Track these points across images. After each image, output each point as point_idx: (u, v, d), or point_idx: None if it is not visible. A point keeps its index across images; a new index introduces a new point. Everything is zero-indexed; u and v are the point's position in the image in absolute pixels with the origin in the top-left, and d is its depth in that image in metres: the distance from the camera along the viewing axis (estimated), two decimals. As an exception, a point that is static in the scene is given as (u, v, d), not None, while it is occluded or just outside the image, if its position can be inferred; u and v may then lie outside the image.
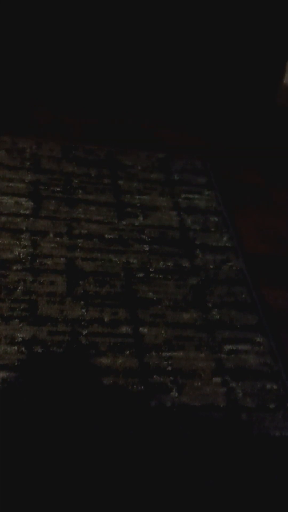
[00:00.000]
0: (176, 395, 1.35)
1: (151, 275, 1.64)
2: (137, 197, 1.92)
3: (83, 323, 1.46)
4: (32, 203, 1.78)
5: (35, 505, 1.10)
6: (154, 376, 1.38)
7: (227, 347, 1.50)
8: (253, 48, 2.52)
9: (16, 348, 1.36)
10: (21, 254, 1.60)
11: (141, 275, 1.63)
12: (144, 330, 1.48)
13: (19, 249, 1.62)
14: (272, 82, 2.59)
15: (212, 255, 1.77)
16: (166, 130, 2.31)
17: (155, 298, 1.58)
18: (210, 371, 1.42)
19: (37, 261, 1.59)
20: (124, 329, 1.47)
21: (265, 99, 2.61)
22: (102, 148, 2.10)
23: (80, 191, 1.88)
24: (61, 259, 1.62)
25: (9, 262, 1.57)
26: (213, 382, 1.40)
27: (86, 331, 1.44)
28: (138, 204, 1.89)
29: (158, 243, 1.76)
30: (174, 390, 1.36)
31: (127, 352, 1.41)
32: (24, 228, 1.68)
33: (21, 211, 1.74)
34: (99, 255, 1.66)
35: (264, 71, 2.57)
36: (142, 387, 1.34)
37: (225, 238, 1.84)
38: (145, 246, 1.73)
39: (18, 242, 1.63)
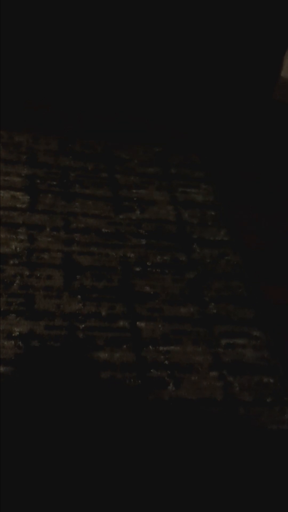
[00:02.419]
0: (174, 389, 1.35)
1: (148, 269, 1.64)
2: (134, 191, 1.92)
3: (80, 317, 1.46)
4: (29, 197, 1.77)
5: (31, 497, 1.10)
6: (152, 370, 1.38)
7: (224, 341, 1.50)
8: (250, 42, 2.51)
9: (13, 342, 1.36)
10: (18, 248, 1.60)
11: (138, 269, 1.63)
12: (141, 324, 1.48)
13: (15, 243, 1.61)
14: (269, 77, 2.59)
15: (209, 249, 1.77)
16: (164, 124, 2.31)
17: (152, 292, 1.57)
18: (207, 365, 1.42)
19: (34, 255, 1.59)
20: (121, 323, 1.47)
21: (262, 94, 2.60)
22: (99, 142, 2.09)
23: (77, 185, 1.87)
24: (58, 253, 1.61)
25: (5, 257, 1.56)
26: (210, 376, 1.40)
27: (83, 326, 1.44)
28: (135, 198, 1.89)
29: (155, 237, 1.75)
30: (171, 384, 1.36)
31: (125, 347, 1.41)
32: (21, 222, 1.68)
33: (18, 205, 1.73)
34: (96, 249, 1.66)
35: (261, 66, 2.56)
36: (140, 381, 1.34)
37: (222, 232, 1.84)
38: (142, 240, 1.73)
39: (14, 236, 1.63)
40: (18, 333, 1.38)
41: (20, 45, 2.39)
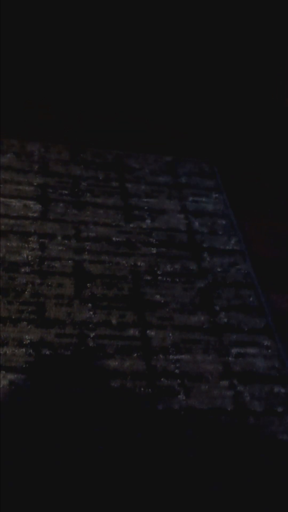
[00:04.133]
0: (184, 398, 1.35)
1: (159, 278, 1.64)
2: (144, 200, 1.92)
3: (90, 325, 1.46)
4: (40, 206, 1.79)
5: (37, 508, 1.10)
6: (162, 379, 1.38)
7: (235, 351, 1.49)
8: (261, 49, 2.52)
9: (24, 350, 1.36)
10: (29, 257, 1.61)
11: (148, 278, 1.63)
12: (151, 333, 1.48)
13: (27, 251, 1.62)
14: (281, 85, 2.59)
15: (219, 258, 1.77)
16: (174, 133, 2.32)
17: (162, 301, 1.58)
18: (218, 374, 1.42)
19: (45, 263, 1.60)
20: (132, 331, 1.47)
21: (274, 102, 2.60)
22: (109, 151, 2.10)
23: (88, 194, 1.88)
24: (69, 261, 1.62)
25: (17, 265, 1.57)
26: (220, 386, 1.40)
27: (93, 334, 1.44)
28: (146, 207, 1.89)
29: (165, 246, 1.76)
30: (181, 393, 1.36)
31: (135, 355, 1.41)
32: (32, 231, 1.69)
33: (29, 214, 1.75)
34: (106, 258, 1.66)
35: (273, 74, 2.57)
36: (150, 390, 1.34)
37: (232, 241, 1.84)
38: (152, 249, 1.74)
39: (26, 245, 1.64)
40: (29, 341, 1.39)
41: (29, 54, 2.41)
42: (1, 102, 2.18)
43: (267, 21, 2.45)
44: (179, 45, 2.49)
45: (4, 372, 1.31)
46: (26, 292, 1.50)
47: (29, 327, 1.42)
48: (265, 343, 1.53)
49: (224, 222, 1.91)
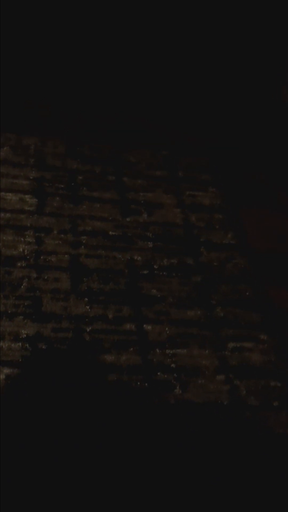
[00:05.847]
0: (180, 392, 1.35)
1: (155, 272, 1.64)
2: (141, 194, 1.92)
3: (87, 320, 1.46)
4: (37, 200, 1.78)
5: (36, 504, 1.10)
6: (158, 373, 1.38)
7: (231, 345, 1.49)
8: (259, 46, 2.51)
9: (20, 344, 1.36)
10: (26, 251, 1.60)
11: (145, 272, 1.63)
12: (148, 327, 1.48)
13: (23, 245, 1.62)
14: (279, 81, 2.58)
15: (216, 253, 1.76)
16: (171, 127, 2.31)
17: (159, 295, 1.57)
18: (214, 369, 1.42)
19: (41, 258, 1.59)
20: (128, 326, 1.47)
21: (272, 98, 2.60)
22: (106, 145, 2.10)
23: (84, 188, 1.88)
24: (65, 256, 1.62)
25: (13, 259, 1.57)
26: (216, 380, 1.40)
27: (90, 328, 1.44)
28: (143, 201, 1.89)
29: (162, 240, 1.76)
30: (177, 387, 1.36)
31: (131, 349, 1.41)
32: (29, 225, 1.69)
33: (26, 208, 1.74)
34: (103, 252, 1.66)
35: (270, 70, 2.56)
36: (146, 384, 1.34)
37: (229, 236, 1.84)
38: (149, 243, 1.73)
39: (22, 239, 1.64)
40: (25, 335, 1.39)
41: (27, 49, 2.40)
42: (0, 100, 2.17)
43: (267, 21, 2.44)
44: (178, 42, 2.47)
45: (0, 366, 1.30)
46: (22, 287, 1.50)
47: (25, 321, 1.42)
48: (262, 337, 1.53)
49: (221, 216, 1.91)
